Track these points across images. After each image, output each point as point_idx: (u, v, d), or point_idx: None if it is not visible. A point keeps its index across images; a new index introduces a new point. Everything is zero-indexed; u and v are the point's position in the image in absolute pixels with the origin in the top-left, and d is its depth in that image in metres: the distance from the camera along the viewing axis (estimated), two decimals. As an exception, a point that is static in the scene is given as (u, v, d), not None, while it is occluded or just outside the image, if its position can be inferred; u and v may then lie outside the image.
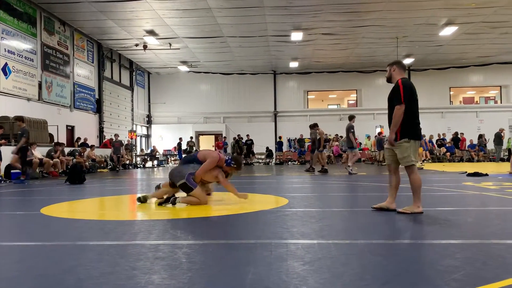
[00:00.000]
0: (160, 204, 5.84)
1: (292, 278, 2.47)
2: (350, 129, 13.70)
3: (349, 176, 12.08)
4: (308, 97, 30.08)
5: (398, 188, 5.17)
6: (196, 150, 26.80)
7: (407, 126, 4.85)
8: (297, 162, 25.03)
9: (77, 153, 16.15)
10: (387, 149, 5.17)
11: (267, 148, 26.70)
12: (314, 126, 14.47)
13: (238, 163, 6.29)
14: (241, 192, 6.15)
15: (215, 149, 29.03)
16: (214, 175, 6.11)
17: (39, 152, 13.86)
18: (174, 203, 5.75)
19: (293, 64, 26.60)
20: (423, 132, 20.04)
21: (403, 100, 4.78)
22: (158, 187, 6.53)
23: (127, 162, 21.09)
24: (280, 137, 27.84)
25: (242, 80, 29.05)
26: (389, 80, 5.15)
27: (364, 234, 3.93)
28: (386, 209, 5.05)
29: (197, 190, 5.86)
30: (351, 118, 14.05)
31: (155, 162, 25.49)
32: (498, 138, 22.37)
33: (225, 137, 27.65)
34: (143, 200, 6.11)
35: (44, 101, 17.02)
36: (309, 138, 27.16)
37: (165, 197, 6.03)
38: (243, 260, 2.91)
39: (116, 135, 20.43)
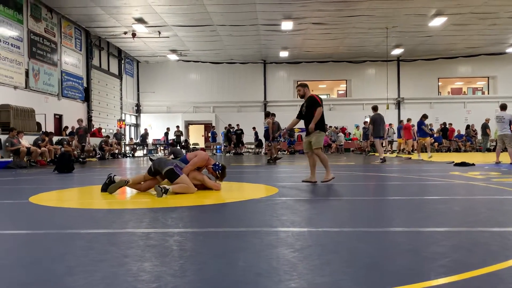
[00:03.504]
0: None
1: (282, 265, 2.51)
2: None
3: (335, 166, 12.15)
4: (298, 87, 30.06)
5: (315, 166, 7.32)
6: (186, 139, 26.81)
7: (322, 123, 7.22)
8: (286, 152, 25.11)
9: (65, 142, 16.01)
10: (305, 142, 7.42)
11: (256, 134, 26.35)
12: (266, 116, 14.39)
13: (223, 174, 6.37)
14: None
15: (204, 142, 29.04)
16: (200, 178, 6.14)
17: (26, 141, 13.72)
18: (166, 193, 5.64)
19: (283, 54, 26.54)
20: (412, 123, 20.25)
21: (321, 105, 7.18)
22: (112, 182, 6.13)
23: (116, 151, 20.96)
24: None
25: (232, 69, 28.93)
26: (302, 96, 7.42)
27: (352, 222, 3.98)
28: (310, 182, 7.12)
29: (184, 177, 5.85)
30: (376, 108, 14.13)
31: (145, 151, 25.37)
32: (485, 128, 22.62)
33: (213, 126, 27.58)
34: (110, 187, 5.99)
35: (31, 89, 16.79)
36: (299, 128, 27.39)
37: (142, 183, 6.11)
38: (233, 247, 2.93)
39: (80, 121, 17.40)
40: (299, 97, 7.59)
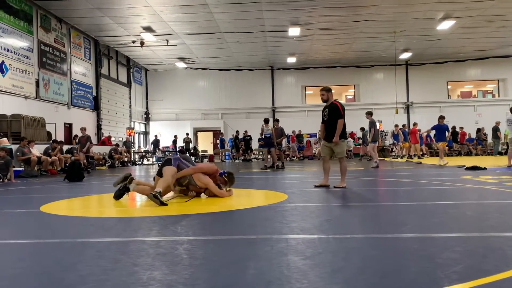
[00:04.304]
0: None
1: (293, 272, 2.48)
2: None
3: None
4: (306, 92, 30.07)
5: (329, 171, 7.54)
6: (194, 146, 26.89)
7: (343, 132, 7.30)
8: (295, 157, 25.06)
9: (75, 151, 16.12)
10: (324, 146, 7.51)
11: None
12: (266, 122, 14.40)
13: (230, 179, 6.33)
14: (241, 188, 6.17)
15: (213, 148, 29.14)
16: (205, 182, 6.15)
17: (37, 150, 13.84)
18: (160, 195, 5.53)
19: (291, 60, 26.57)
20: (419, 127, 20.09)
21: (343, 115, 7.26)
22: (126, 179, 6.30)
23: (126, 159, 21.07)
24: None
25: (239, 76, 29.02)
26: (325, 101, 7.40)
27: (363, 228, 3.95)
28: (324, 186, 7.30)
29: (172, 169, 5.90)
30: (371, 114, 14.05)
31: (154, 159, 25.47)
32: (496, 131, 22.44)
33: (222, 133, 27.63)
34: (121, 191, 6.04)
35: (41, 99, 16.98)
36: (307, 134, 27.35)
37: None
38: (244, 255, 2.92)
39: (83, 129, 16.43)
40: (322, 101, 7.54)
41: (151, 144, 26.77)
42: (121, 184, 6.15)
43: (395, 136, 22.06)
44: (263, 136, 14.44)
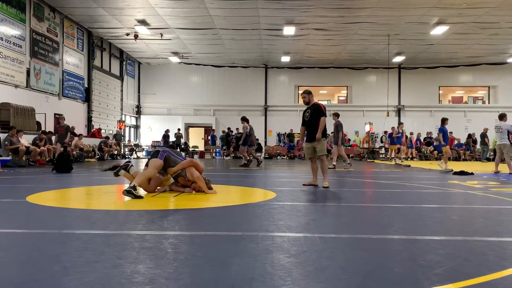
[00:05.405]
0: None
1: (277, 270, 2.50)
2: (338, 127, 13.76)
3: (335, 172, 12.16)
4: (299, 92, 30.10)
5: (317, 170, 7.82)
6: (185, 142, 26.82)
7: (324, 131, 7.58)
8: (286, 156, 25.11)
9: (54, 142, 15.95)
10: (307, 147, 7.75)
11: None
12: (245, 121, 14.53)
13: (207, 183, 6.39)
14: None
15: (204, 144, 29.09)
16: (191, 172, 6.21)
17: (25, 140, 13.71)
18: (135, 189, 5.59)
19: (285, 59, 26.58)
20: (411, 130, 20.07)
21: (325, 114, 7.59)
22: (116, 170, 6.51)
23: (115, 152, 20.96)
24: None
25: (233, 73, 28.96)
26: (307, 103, 7.75)
27: (349, 229, 3.97)
28: (313, 185, 7.57)
29: (158, 162, 6.06)
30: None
31: (144, 153, 25.35)
32: (483, 138, 22.69)
33: (213, 130, 27.57)
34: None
35: (32, 89, 16.79)
36: (298, 133, 27.41)
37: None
38: (229, 251, 2.93)
39: (61, 118, 15.52)
40: (304, 104, 7.92)
41: (162, 138, 26.55)
42: (109, 170, 6.43)
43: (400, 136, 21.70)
44: (245, 135, 14.58)
